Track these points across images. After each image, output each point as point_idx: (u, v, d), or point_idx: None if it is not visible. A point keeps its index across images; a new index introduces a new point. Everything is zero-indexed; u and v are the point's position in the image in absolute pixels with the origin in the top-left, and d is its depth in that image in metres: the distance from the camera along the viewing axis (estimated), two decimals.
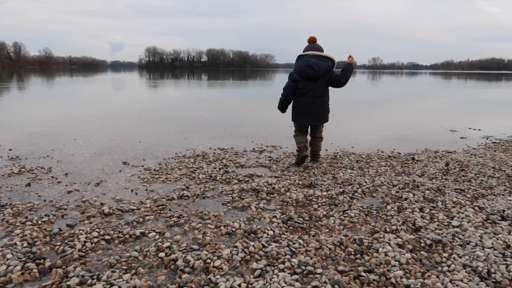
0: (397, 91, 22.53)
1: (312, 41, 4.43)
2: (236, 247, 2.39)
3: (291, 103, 4.55)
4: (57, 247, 2.40)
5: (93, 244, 2.44)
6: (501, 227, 2.73)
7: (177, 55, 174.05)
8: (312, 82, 4.32)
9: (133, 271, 2.14)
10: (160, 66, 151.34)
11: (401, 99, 16.05)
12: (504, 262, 2.20)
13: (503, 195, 3.48)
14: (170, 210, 3.10)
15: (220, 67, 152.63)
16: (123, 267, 2.18)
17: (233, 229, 2.68)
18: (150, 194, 3.52)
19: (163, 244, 2.43)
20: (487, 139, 6.61)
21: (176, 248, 2.39)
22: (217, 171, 4.25)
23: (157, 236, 2.58)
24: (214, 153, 5.19)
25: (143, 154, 5.09)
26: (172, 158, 4.91)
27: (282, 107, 4.62)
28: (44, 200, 3.29)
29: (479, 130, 7.53)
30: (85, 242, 2.45)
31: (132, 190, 3.62)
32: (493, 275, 2.09)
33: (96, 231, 2.61)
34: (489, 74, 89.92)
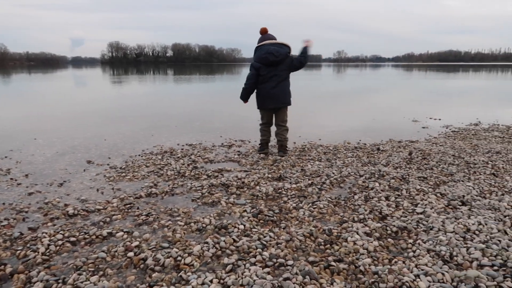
0: (361, 83, 23.04)
1: (264, 32, 4.64)
2: (207, 243, 2.37)
3: (255, 92, 4.67)
4: (18, 251, 2.29)
5: (58, 247, 2.36)
6: (461, 211, 2.85)
7: (142, 50, 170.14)
8: (274, 68, 4.52)
9: (101, 272, 2.08)
10: (124, 61, 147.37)
11: (365, 91, 16.43)
12: (465, 245, 2.30)
13: (462, 181, 3.64)
14: (138, 208, 3.03)
15: (186, 62, 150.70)
16: (90, 269, 2.11)
17: (204, 225, 2.66)
18: (116, 193, 3.43)
19: (131, 243, 2.38)
20: (447, 128, 6.89)
21: (146, 247, 2.35)
22: (185, 167, 4.20)
23: (125, 236, 2.52)
24: (182, 149, 5.12)
25: (109, 152, 4.95)
26: (139, 155, 4.81)
27: (246, 96, 4.68)
28: (3, 203, 3.14)
29: (439, 119, 7.83)
30: (48, 245, 2.36)
31: (97, 190, 3.51)
32: (455, 258, 2.18)
33: (61, 233, 2.51)
34: (447, 65, 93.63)
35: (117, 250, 2.30)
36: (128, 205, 3.08)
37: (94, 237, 2.50)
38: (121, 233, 2.55)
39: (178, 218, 2.84)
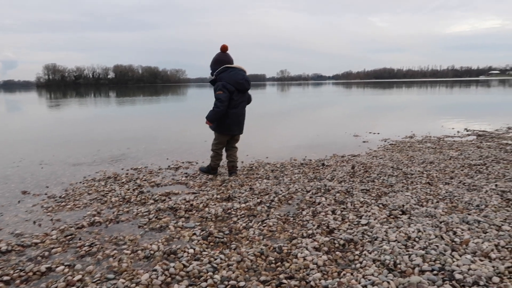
0: (304, 100, 23.80)
1: (226, 49, 4.53)
2: (155, 270, 2.29)
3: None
4: None
5: None
6: (402, 220, 3.01)
7: (81, 72, 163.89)
8: (243, 94, 4.57)
9: None
10: (62, 84, 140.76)
11: (309, 108, 16.99)
12: (407, 253, 2.42)
13: (401, 191, 3.85)
14: (80, 239, 2.86)
15: (129, 84, 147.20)
16: None
17: (152, 252, 2.57)
18: (56, 224, 3.22)
19: (73, 277, 2.24)
20: (385, 141, 7.29)
21: (89, 280, 2.22)
22: (131, 192, 4.06)
23: (67, 270, 2.36)
24: (127, 174, 4.94)
25: (46, 181, 4.66)
26: (80, 182, 4.57)
27: (216, 119, 4.49)
28: None
29: (378, 133, 8.27)
30: None
31: (34, 222, 3.28)
32: (399, 266, 2.29)
33: None
34: (382, 82, 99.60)
35: (57, 286, 2.15)
36: (69, 236, 2.90)
37: (31, 273, 2.32)
38: (62, 267, 2.39)
39: (124, 246, 2.72)
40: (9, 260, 2.54)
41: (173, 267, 2.31)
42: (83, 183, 4.51)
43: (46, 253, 2.61)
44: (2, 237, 2.95)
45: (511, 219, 2.94)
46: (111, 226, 3.16)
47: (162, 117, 14.05)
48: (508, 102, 19.63)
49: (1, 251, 2.66)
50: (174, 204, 3.55)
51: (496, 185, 3.89)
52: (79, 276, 2.25)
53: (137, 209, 3.50)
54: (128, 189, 4.16)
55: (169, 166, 5.36)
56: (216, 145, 4.71)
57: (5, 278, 2.26)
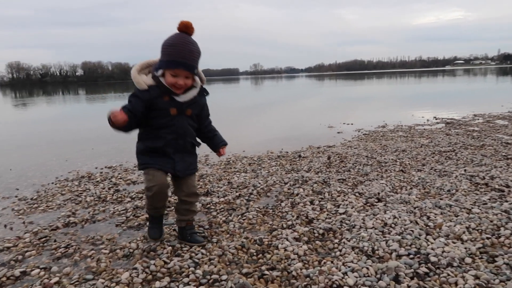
0: (279, 93, 23.90)
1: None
2: (135, 268, 2.25)
3: None
4: None
5: None
6: (378, 208, 3.08)
7: (47, 70, 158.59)
8: None
9: None
10: (28, 83, 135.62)
11: (282, 101, 17.07)
12: (384, 239, 2.48)
13: (376, 179, 3.93)
14: (55, 241, 2.78)
15: (99, 81, 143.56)
16: None
17: (131, 250, 2.53)
18: (28, 226, 3.11)
19: (50, 280, 2.18)
20: (359, 131, 7.42)
21: (67, 281, 2.16)
22: (106, 191, 3.97)
23: (42, 273, 2.29)
24: (101, 173, 4.83)
25: (16, 183, 4.49)
26: (53, 183, 4.43)
27: None
28: None
29: (352, 124, 8.42)
30: None
31: (5, 226, 3.16)
32: (377, 252, 2.34)
33: None
34: (354, 74, 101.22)
35: None
36: (43, 239, 2.81)
37: (4, 278, 2.24)
38: (37, 270, 2.32)
39: (102, 246, 2.67)
40: None
41: (154, 264, 2.28)
42: (56, 184, 4.37)
43: (20, 257, 2.52)
44: None
45: (480, 202, 3.07)
46: (87, 226, 3.09)
47: None
48: (472, 91, 20.38)
49: None
50: None
51: (465, 170, 4.03)
52: (56, 279, 2.19)
53: (114, 208, 3.43)
54: (104, 188, 4.07)
55: None
56: None
57: None
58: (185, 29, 2.27)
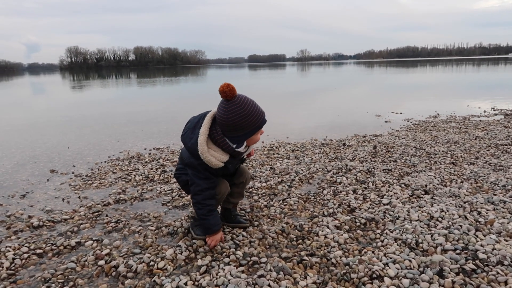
0: (326, 80, 23.47)
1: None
2: (179, 246, 2.35)
3: None
4: None
5: (23, 260, 2.27)
6: (424, 200, 2.98)
7: (102, 54, 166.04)
8: None
9: (71, 283, 2.03)
10: (85, 66, 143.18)
11: (330, 88, 16.76)
12: (429, 232, 2.41)
13: (424, 171, 3.79)
14: (107, 216, 2.96)
15: (150, 65, 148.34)
16: (59, 280, 2.05)
17: (175, 229, 2.64)
18: (83, 201, 3.33)
19: (102, 251, 2.33)
20: (408, 121, 7.15)
21: (117, 254, 2.30)
22: (154, 171, 4.14)
23: (95, 244, 2.46)
24: (149, 154, 5.04)
25: (73, 160, 4.80)
26: (105, 162, 4.69)
27: None
28: None
29: (401, 113, 8.11)
30: (13, 259, 2.27)
31: (63, 199, 3.40)
32: (421, 245, 2.28)
33: (26, 246, 2.42)
34: (406, 61, 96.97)
35: (87, 259, 2.24)
36: (96, 213, 3.00)
37: (62, 247, 2.42)
38: (90, 241, 2.49)
39: (148, 223, 2.80)
40: (41, 234, 2.66)
41: (196, 243, 2.37)
42: (108, 163, 4.62)
43: (75, 229, 2.71)
44: (34, 213, 3.08)
45: None
46: (136, 203, 3.26)
47: (182, 98, 14.15)
48: None
49: (34, 226, 2.78)
50: None
51: None
52: (107, 251, 2.34)
53: (161, 188, 3.58)
54: (151, 169, 4.25)
55: None
56: None
57: (38, 251, 2.37)
58: (231, 94, 2.12)
